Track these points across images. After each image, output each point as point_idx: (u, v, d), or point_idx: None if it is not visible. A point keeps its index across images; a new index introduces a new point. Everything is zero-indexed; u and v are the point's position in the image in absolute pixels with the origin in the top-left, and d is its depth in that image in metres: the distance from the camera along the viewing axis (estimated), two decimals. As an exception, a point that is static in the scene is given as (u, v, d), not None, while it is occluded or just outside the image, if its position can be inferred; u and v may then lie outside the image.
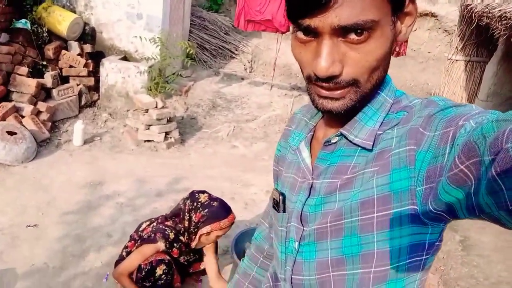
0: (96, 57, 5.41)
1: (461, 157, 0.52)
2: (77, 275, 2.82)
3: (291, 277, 0.84)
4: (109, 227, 3.25)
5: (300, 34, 0.69)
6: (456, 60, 4.48)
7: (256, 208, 3.79)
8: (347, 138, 0.76)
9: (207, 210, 2.36)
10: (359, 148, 0.75)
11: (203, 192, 2.47)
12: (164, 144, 4.71)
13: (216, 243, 2.61)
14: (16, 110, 4.38)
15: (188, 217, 2.41)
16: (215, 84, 6.69)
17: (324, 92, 0.70)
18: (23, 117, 4.38)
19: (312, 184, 0.81)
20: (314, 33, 0.66)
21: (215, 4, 7.82)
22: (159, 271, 2.39)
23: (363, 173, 0.72)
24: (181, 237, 2.43)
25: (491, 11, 3.43)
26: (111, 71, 5.16)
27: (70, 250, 3.02)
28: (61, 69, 5.07)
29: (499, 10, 3.31)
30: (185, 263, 2.56)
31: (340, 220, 0.73)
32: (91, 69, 5.27)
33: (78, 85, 5.11)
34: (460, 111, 0.63)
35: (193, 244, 2.41)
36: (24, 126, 4.25)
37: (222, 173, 4.37)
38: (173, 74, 5.57)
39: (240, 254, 2.87)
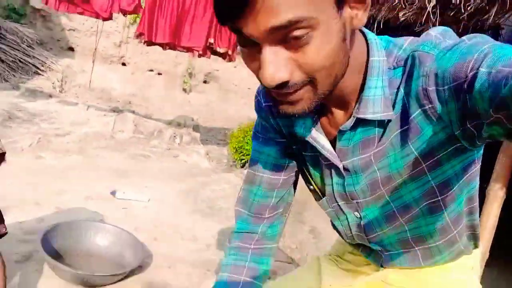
0: None
1: (495, 110, 0.54)
2: None
3: (367, 238, 0.91)
4: None
5: (241, 45, 0.66)
6: None
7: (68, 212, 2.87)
8: (365, 119, 0.74)
9: None
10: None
11: None
12: None
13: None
14: None
15: None
16: (13, 98, 5.43)
17: (281, 98, 0.67)
18: None
19: (343, 166, 0.82)
20: (251, 42, 0.62)
21: (15, 13, 6.61)
22: None
23: (391, 140, 0.75)
24: None
25: None
26: None
27: None
28: None
29: None
30: None
31: (392, 181, 0.78)
32: None
33: None
34: (460, 56, 0.62)
35: None
36: None
37: (23, 181, 3.28)
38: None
39: (52, 254, 1.99)
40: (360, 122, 0.75)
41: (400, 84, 0.71)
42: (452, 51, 0.64)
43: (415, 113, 0.69)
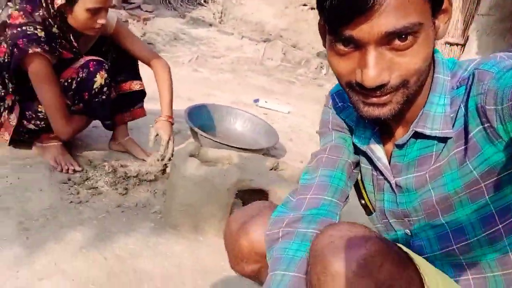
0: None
1: None
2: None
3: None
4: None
5: (339, 45, 0.67)
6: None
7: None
8: (423, 134, 0.75)
9: None
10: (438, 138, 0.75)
11: None
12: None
13: None
14: None
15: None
16: (180, 24, 5.99)
17: (371, 99, 0.69)
18: None
19: (396, 183, 0.82)
20: (356, 44, 0.65)
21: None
22: (99, 79, 1.64)
23: (448, 159, 0.74)
24: (53, 29, 1.67)
25: None
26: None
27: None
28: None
29: None
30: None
31: (447, 201, 0.75)
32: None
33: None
34: None
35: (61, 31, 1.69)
36: None
37: (181, 85, 3.65)
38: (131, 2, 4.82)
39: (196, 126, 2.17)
40: (418, 138, 0.77)
41: (461, 102, 0.72)
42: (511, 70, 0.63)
43: (474, 131, 0.69)
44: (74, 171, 1.79)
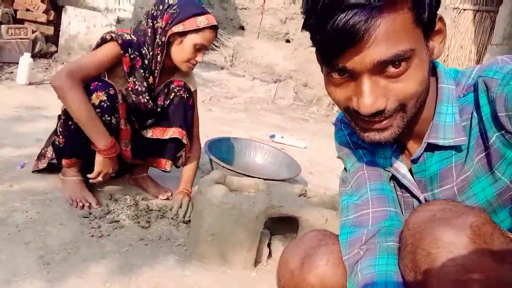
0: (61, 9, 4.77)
1: None
2: (-20, 160, 1.97)
3: None
4: (41, 135, 2.42)
5: (335, 75, 0.68)
6: (464, 10, 4.04)
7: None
8: (437, 145, 0.75)
9: (176, 7, 1.68)
10: (453, 146, 0.74)
11: None
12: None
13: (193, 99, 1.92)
14: (-50, 35, 3.61)
15: (151, 25, 1.74)
16: (192, 67, 6.11)
17: (370, 125, 0.70)
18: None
19: (424, 198, 0.81)
20: (350, 74, 0.66)
21: (197, -2, 7.45)
22: (94, 98, 1.60)
23: (474, 168, 0.73)
24: (143, 49, 1.74)
25: None
26: (74, 18, 4.50)
27: (-22, 143, 2.18)
28: (15, 11, 4.39)
29: None
30: (138, 106, 1.78)
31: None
32: (51, 18, 4.61)
33: (34, 32, 4.40)
34: None
35: (160, 56, 1.76)
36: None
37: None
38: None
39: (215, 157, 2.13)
40: (435, 150, 0.76)
41: (473, 110, 0.72)
42: None
43: (493, 137, 0.69)
44: (90, 207, 1.71)
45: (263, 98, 5.51)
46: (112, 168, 1.73)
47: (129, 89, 1.75)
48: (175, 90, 1.85)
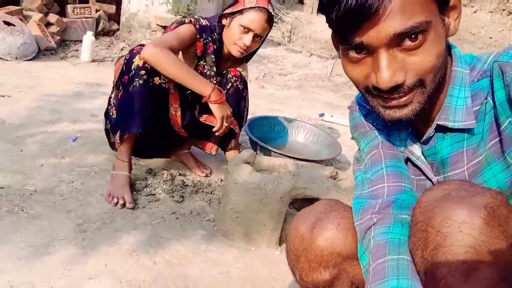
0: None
1: None
2: (38, 133, 2.15)
3: None
4: (97, 111, 2.58)
5: (352, 53, 0.69)
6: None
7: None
8: (447, 127, 0.74)
9: None
10: (465, 130, 0.74)
11: None
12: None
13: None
14: (23, 16, 3.90)
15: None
16: (248, 44, 6.11)
17: (390, 102, 0.69)
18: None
19: (438, 181, 0.80)
20: (367, 49, 0.66)
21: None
22: (137, 60, 1.67)
23: (485, 154, 0.72)
24: (214, 35, 1.84)
25: None
26: (134, -4, 4.66)
27: (39, 117, 2.37)
28: (81, -10, 4.63)
29: None
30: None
31: None
32: (114, -3, 4.82)
33: (97, 11, 4.63)
34: None
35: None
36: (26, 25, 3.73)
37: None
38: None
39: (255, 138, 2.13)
40: (447, 132, 0.76)
41: (487, 95, 0.71)
42: None
43: (505, 123, 0.68)
44: (123, 205, 1.62)
45: (319, 75, 5.39)
46: (230, 109, 1.81)
47: (198, 72, 1.82)
48: (232, 80, 1.91)
